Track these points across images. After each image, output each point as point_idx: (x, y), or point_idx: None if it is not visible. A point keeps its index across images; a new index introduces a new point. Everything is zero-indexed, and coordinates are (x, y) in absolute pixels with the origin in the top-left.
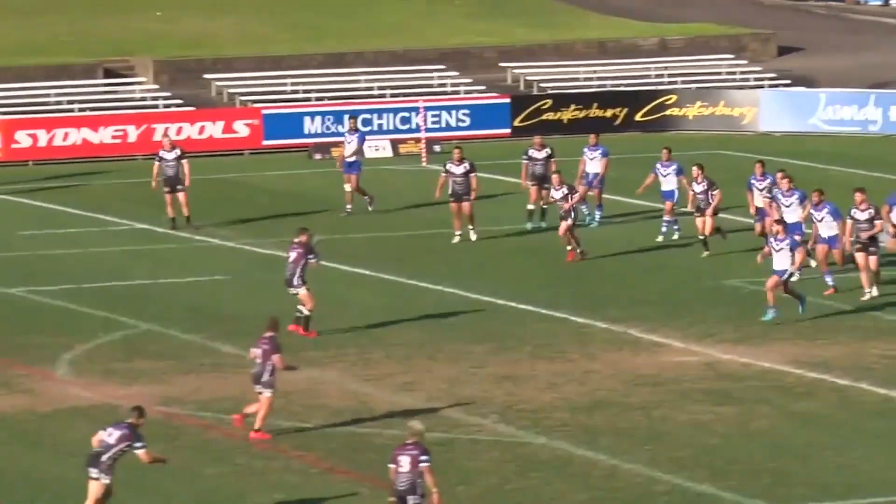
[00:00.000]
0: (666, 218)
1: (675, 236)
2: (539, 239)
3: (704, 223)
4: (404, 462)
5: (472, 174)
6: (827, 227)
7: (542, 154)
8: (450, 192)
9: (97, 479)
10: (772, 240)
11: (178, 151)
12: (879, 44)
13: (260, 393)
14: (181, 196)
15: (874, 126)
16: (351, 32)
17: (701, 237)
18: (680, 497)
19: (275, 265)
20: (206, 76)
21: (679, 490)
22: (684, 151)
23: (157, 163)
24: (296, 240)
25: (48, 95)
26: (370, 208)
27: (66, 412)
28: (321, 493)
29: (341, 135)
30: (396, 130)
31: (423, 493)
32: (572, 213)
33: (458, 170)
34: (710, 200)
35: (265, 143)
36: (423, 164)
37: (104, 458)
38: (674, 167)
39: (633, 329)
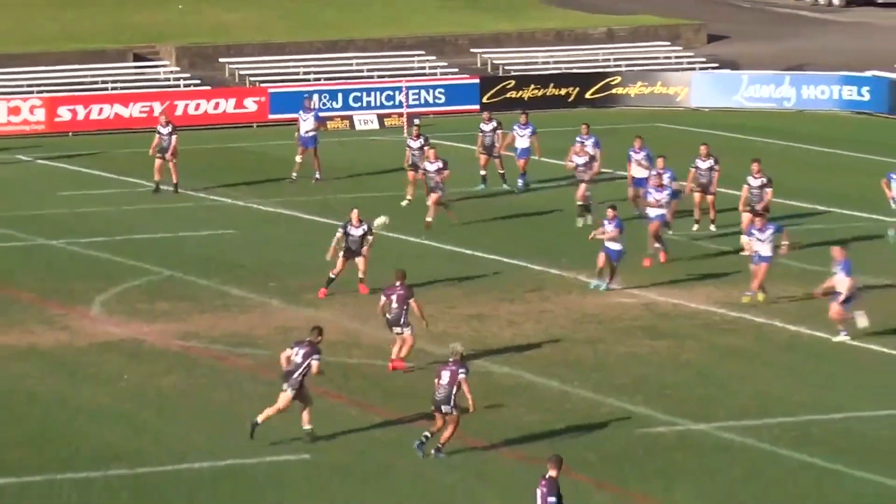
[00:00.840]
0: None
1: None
2: (500, 199)
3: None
4: (445, 376)
5: (426, 147)
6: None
7: (490, 127)
8: (409, 162)
9: (286, 391)
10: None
11: (171, 127)
12: (794, 33)
13: (400, 333)
14: (171, 165)
15: (788, 103)
16: (344, 23)
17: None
18: (620, 416)
19: (277, 221)
20: (221, 60)
21: (620, 411)
22: (628, 124)
23: (156, 136)
24: (396, 283)
25: (85, 76)
26: (316, 177)
27: (98, 346)
28: (316, 414)
29: (336, 110)
30: (382, 106)
31: (456, 405)
32: (441, 186)
33: (416, 144)
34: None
35: (270, 117)
36: (405, 135)
37: (295, 375)
38: (591, 138)
39: (582, 275)
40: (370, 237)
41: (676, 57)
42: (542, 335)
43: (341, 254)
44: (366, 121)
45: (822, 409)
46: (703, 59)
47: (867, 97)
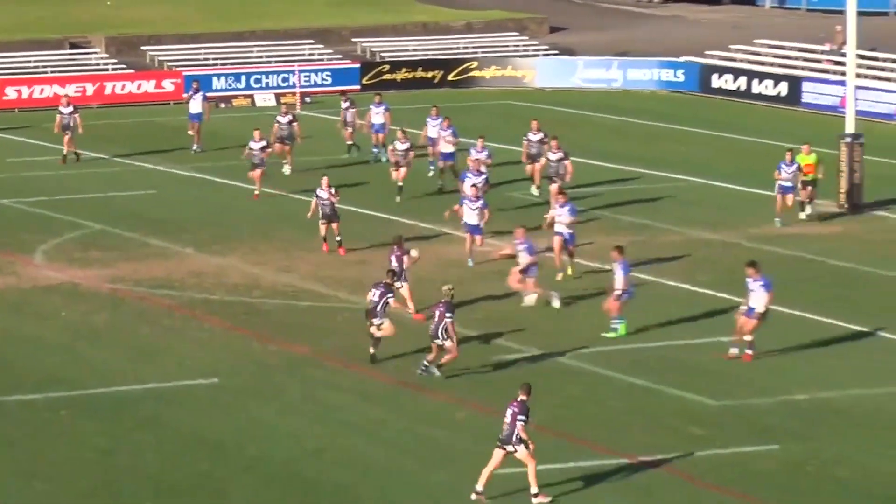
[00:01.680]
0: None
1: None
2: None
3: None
4: (437, 314)
5: (294, 123)
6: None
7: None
8: (277, 136)
9: (373, 323)
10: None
11: (72, 108)
12: (620, 25)
13: (400, 287)
14: (67, 138)
15: (616, 83)
16: (247, 16)
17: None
18: (478, 346)
19: (191, 183)
20: (143, 48)
21: (477, 341)
22: (484, 101)
23: (58, 115)
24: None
25: (29, 61)
26: (194, 149)
27: (41, 289)
28: (223, 346)
29: (240, 90)
30: (279, 87)
31: (449, 336)
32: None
33: (284, 120)
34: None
35: (184, 95)
36: (298, 110)
37: (377, 310)
38: (439, 120)
39: (446, 227)
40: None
41: (524, 45)
42: (413, 278)
43: (320, 220)
44: (265, 98)
45: (649, 339)
46: (546, 47)
47: (682, 79)
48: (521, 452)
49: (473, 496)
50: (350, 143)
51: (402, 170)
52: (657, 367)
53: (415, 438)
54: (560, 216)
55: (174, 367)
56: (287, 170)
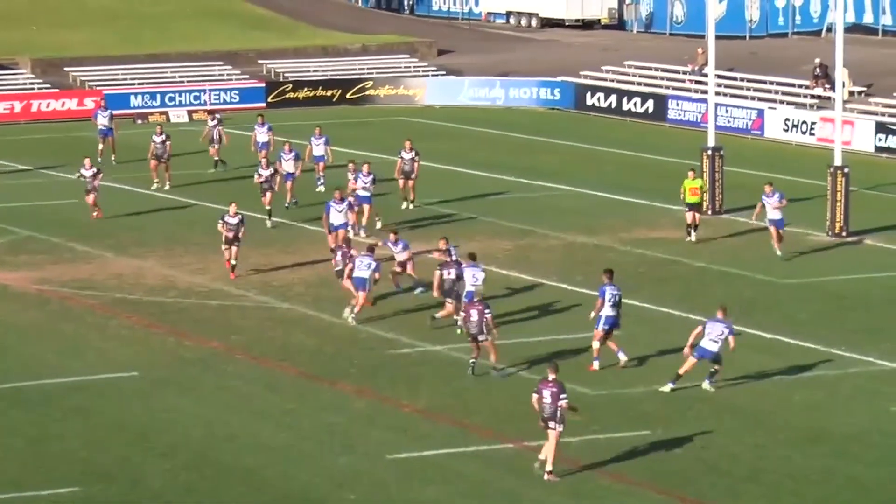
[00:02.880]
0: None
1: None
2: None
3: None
4: (474, 314)
5: (168, 142)
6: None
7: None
8: (151, 153)
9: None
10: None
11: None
12: (503, 48)
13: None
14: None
15: (499, 101)
16: (161, 40)
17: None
18: (375, 340)
19: (107, 192)
20: (66, 69)
21: (374, 337)
22: (378, 118)
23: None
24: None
25: None
26: (112, 160)
27: None
28: (143, 342)
29: (155, 107)
30: (191, 104)
31: (489, 332)
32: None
33: (158, 139)
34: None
35: (93, 118)
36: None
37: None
38: (324, 139)
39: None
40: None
41: (414, 66)
42: (315, 278)
43: (223, 244)
44: (178, 115)
45: (532, 334)
46: (435, 68)
47: (558, 97)
48: (556, 432)
49: (546, 477)
50: (217, 159)
51: (163, 165)
52: (539, 360)
53: (318, 426)
54: (397, 253)
55: (97, 361)
56: (166, 186)
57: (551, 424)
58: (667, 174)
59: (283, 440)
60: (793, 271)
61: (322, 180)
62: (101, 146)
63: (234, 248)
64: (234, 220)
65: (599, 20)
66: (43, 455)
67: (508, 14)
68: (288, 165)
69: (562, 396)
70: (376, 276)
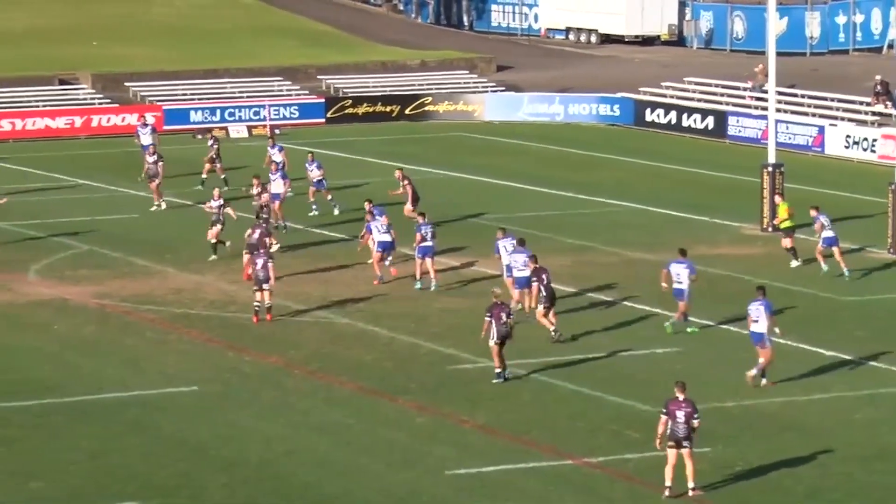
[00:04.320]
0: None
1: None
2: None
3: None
4: (503, 315)
5: (160, 163)
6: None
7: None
8: (144, 173)
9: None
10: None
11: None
12: (562, 64)
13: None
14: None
15: (559, 117)
16: (221, 56)
17: None
18: (435, 356)
19: (170, 207)
20: (126, 84)
21: (435, 352)
22: (437, 133)
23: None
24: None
25: (22, 96)
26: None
27: (34, 303)
28: (202, 356)
29: (215, 122)
30: (251, 120)
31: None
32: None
33: (151, 159)
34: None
35: (165, 127)
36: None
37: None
38: (316, 163)
39: (405, 249)
40: (229, 209)
41: (474, 82)
42: (374, 294)
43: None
44: (238, 130)
45: (590, 350)
46: (494, 84)
47: (618, 113)
48: (690, 450)
49: (691, 493)
50: (205, 177)
51: (154, 184)
52: (598, 376)
53: (377, 441)
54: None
55: (157, 375)
56: (162, 205)
57: (685, 444)
58: (727, 191)
59: (342, 455)
60: (854, 289)
61: (335, 203)
62: (146, 163)
63: (216, 227)
64: (216, 204)
65: (659, 36)
66: (102, 469)
67: (568, 30)
68: (276, 186)
69: (695, 416)
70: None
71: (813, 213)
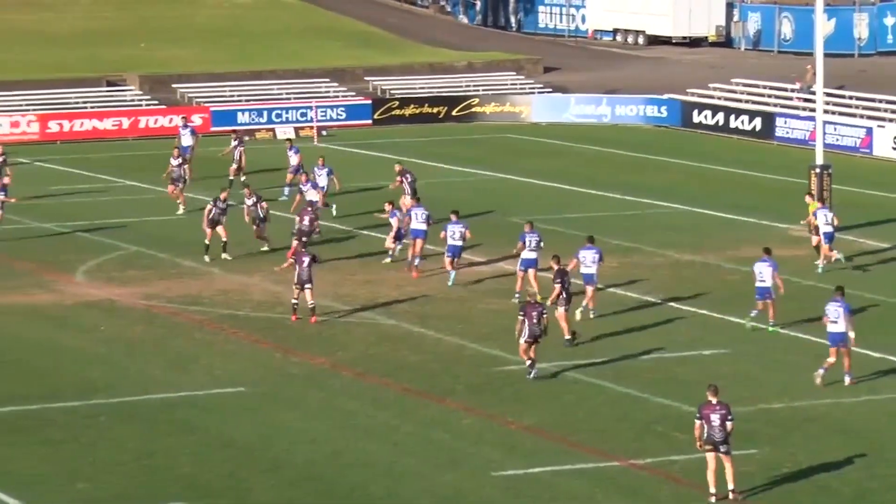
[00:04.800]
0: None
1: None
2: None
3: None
4: (535, 315)
5: (185, 166)
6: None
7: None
8: (169, 178)
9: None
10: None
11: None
12: (609, 65)
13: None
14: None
15: (606, 118)
16: (268, 57)
17: None
18: (481, 358)
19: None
20: (174, 85)
21: (481, 353)
22: (484, 135)
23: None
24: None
25: (70, 98)
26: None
27: (81, 304)
28: (249, 357)
29: (262, 124)
30: (297, 121)
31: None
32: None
33: (175, 162)
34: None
35: (212, 129)
36: (315, 143)
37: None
38: (326, 170)
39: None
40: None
41: (520, 83)
42: (420, 296)
43: (207, 226)
44: (285, 132)
45: (636, 351)
46: (541, 85)
47: (665, 114)
48: (727, 452)
49: (731, 496)
50: (232, 178)
51: (177, 188)
52: (645, 377)
53: (423, 442)
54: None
55: (204, 376)
56: (180, 210)
57: (723, 448)
58: (774, 192)
59: (389, 456)
60: None
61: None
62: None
63: (219, 229)
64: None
65: (707, 37)
66: (149, 469)
67: (615, 31)
68: (310, 194)
69: (729, 418)
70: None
71: (818, 205)
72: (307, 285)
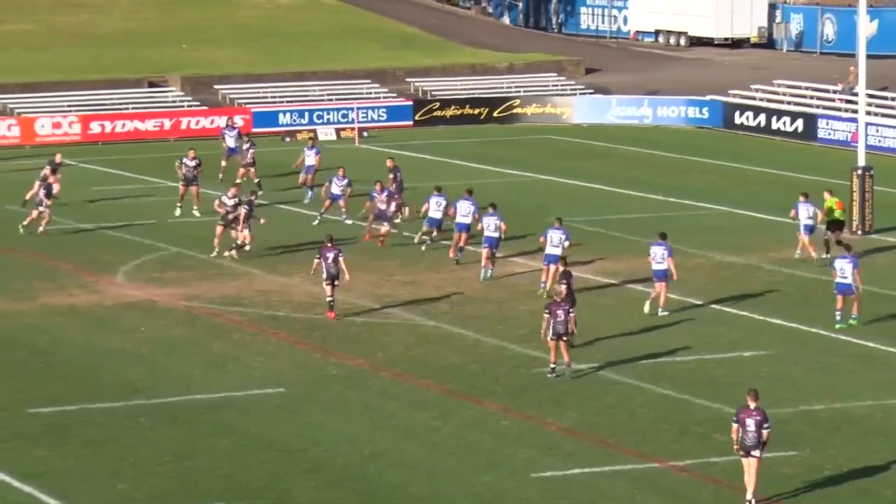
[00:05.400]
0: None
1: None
2: None
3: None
4: (560, 314)
5: (199, 167)
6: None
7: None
8: (182, 176)
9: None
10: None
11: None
12: (650, 67)
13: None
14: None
15: (647, 119)
16: (308, 58)
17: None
18: (521, 359)
19: (258, 210)
20: (215, 86)
21: (520, 355)
22: (525, 136)
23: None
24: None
25: (111, 98)
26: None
27: (122, 305)
28: (289, 358)
29: (303, 125)
30: (338, 122)
31: (570, 334)
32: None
33: (192, 163)
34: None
35: (254, 130)
36: (356, 144)
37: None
38: (345, 181)
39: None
40: (243, 209)
41: (562, 84)
42: (460, 297)
43: (220, 226)
44: (326, 133)
45: (677, 353)
46: (582, 86)
47: (707, 116)
48: (757, 460)
49: None
50: (239, 181)
51: (193, 188)
52: (684, 379)
53: (463, 443)
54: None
55: (244, 377)
56: (195, 212)
57: (755, 453)
58: (816, 194)
59: (428, 457)
60: None
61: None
62: (223, 164)
63: (238, 231)
64: (230, 203)
65: (749, 39)
66: (189, 470)
67: (657, 32)
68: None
69: (765, 426)
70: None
71: (801, 199)
72: (336, 280)
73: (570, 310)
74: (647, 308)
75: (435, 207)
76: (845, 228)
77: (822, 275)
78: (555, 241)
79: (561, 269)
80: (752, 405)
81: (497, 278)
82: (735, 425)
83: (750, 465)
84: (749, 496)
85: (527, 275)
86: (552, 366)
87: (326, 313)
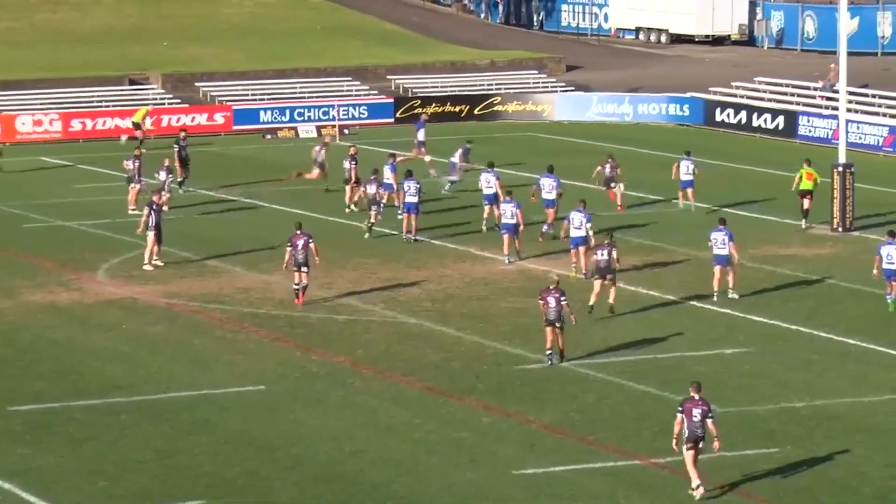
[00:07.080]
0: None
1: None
2: None
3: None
4: (552, 301)
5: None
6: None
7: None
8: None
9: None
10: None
11: None
12: (631, 64)
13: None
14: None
15: (628, 117)
16: (290, 56)
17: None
18: (502, 356)
19: (239, 207)
20: (196, 84)
21: (502, 352)
22: (507, 133)
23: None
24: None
25: (92, 96)
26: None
27: (103, 303)
28: (270, 356)
29: (284, 122)
30: (319, 119)
31: (564, 320)
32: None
33: (133, 165)
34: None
35: (234, 127)
36: (337, 141)
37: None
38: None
39: (472, 248)
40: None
41: (543, 82)
42: (442, 294)
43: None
44: (307, 130)
45: (658, 350)
46: (563, 84)
47: (687, 113)
48: (701, 450)
49: (696, 494)
50: (180, 179)
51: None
52: (666, 376)
53: (444, 441)
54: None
55: (225, 374)
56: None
57: (701, 445)
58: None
59: (409, 455)
60: None
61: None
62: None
63: (304, 270)
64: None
65: (729, 36)
66: (170, 468)
67: (638, 30)
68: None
69: (709, 415)
70: None
71: (684, 156)
72: (303, 268)
73: (563, 298)
74: (714, 297)
75: (485, 185)
76: (839, 225)
77: (805, 272)
78: (576, 223)
79: (605, 241)
80: (696, 396)
81: (477, 276)
82: (680, 416)
83: (693, 455)
84: (696, 482)
85: (507, 271)
86: (548, 351)
87: (295, 301)
